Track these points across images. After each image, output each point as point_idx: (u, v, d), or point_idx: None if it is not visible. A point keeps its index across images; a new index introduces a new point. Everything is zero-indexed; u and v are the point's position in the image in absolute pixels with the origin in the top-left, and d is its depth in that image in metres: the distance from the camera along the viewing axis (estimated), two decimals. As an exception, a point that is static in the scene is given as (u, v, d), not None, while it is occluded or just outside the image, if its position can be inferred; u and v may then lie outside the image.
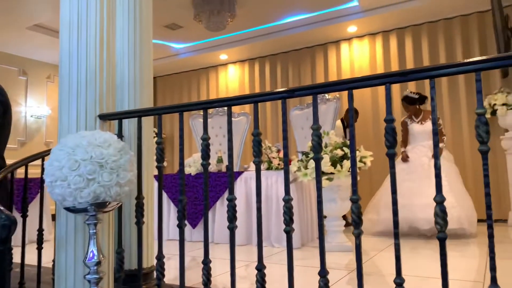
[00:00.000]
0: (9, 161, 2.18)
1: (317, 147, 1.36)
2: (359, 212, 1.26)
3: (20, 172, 3.53)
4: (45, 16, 5.85)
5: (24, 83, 7.37)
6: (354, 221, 1.27)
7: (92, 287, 1.58)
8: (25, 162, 2.28)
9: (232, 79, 7.83)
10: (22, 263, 2.30)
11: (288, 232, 1.35)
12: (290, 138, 6.34)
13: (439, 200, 1.13)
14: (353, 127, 1.33)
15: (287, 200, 1.36)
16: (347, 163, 3.53)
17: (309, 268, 2.98)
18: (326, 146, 3.74)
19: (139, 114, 1.87)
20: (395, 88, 6.02)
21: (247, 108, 6.85)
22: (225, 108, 1.70)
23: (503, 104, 4.91)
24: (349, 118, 1.34)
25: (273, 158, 4.22)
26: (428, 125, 4.65)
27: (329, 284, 1.34)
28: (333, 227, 3.75)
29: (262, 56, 7.47)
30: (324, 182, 3.51)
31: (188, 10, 5.75)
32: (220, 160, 4.88)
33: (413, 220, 4.17)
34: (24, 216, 2.34)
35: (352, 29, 6.30)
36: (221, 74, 7.95)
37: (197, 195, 4.52)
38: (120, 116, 1.88)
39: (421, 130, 4.73)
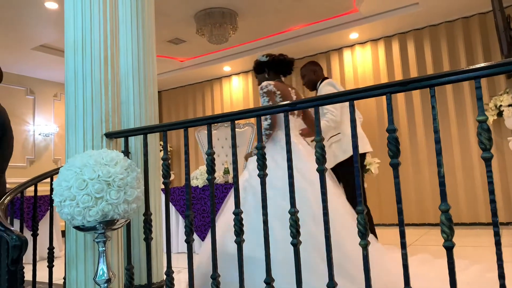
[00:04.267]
0: (18, 180, 2.22)
1: (320, 159, 1.37)
2: (365, 223, 1.26)
3: (29, 190, 3.57)
4: (49, 37, 5.95)
5: (31, 102, 7.48)
6: (361, 232, 1.27)
7: (103, 305, 1.59)
8: (34, 182, 2.31)
9: (236, 90, 7.87)
10: (34, 281, 2.32)
11: (295, 245, 1.35)
12: (296, 146, 6.33)
13: (444, 208, 1.13)
14: (355, 138, 1.34)
15: (293, 213, 1.36)
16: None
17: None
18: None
19: (144, 131, 1.89)
20: (399, 96, 6.03)
21: (252, 118, 6.87)
22: (229, 121, 1.76)
23: (509, 105, 4.88)
24: (352, 128, 1.35)
25: (280, 168, 4.21)
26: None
27: (339, 296, 1.33)
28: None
29: (265, 66, 7.51)
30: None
31: (191, 25, 5.82)
32: (226, 172, 4.89)
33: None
34: (35, 235, 2.36)
35: (353, 36, 6.33)
36: (225, 85, 8.01)
37: (205, 207, 4.53)
38: (126, 134, 1.90)
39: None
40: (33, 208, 2.40)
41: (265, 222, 1.44)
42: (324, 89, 3.70)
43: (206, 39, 5.82)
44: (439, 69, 5.87)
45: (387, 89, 1.26)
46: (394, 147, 1.21)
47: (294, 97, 2.98)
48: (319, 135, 1.38)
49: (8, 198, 1.98)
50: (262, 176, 1.42)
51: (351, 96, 1.34)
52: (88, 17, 1.89)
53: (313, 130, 2.93)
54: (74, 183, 1.53)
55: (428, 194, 5.71)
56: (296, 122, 2.89)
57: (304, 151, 2.62)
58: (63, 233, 4.08)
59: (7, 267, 1.66)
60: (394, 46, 6.28)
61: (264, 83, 2.84)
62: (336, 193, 2.52)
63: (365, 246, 1.25)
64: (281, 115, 2.62)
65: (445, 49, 5.88)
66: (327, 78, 3.92)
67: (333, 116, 3.47)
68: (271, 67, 3.02)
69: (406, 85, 1.21)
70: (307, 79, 3.96)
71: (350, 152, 3.42)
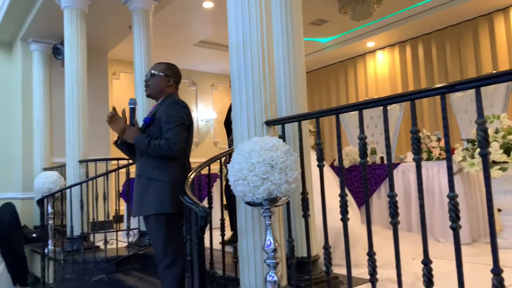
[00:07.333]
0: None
1: (483, 142, 1.31)
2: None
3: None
4: (206, 33, 6.70)
5: (194, 92, 8.57)
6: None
7: (271, 270, 1.85)
8: (208, 163, 2.73)
9: (381, 66, 7.58)
10: (211, 247, 2.78)
11: (455, 229, 1.34)
12: (452, 124, 5.82)
13: None
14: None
15: (452, 197, 1.35)
16: (524, 150, 3.12)
17: (481, 266, 2.76)
18: (497, 132, 3.37)
19: (299, 118, 2.07)
20: None
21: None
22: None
23: None
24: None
25: (433, 147, 3.99)
26: None
27: (505, 284, 1.29)
28: (510, 222, 3.37)
29: (414, 37, 7.02)
30: (496, 173, 3.18)
31: (333, 4, 5.82)
32: (373, 152, 4.83)
33: None
34: (210, 208, 2.81)
35: (524, -9, 5.42)
36: (369, 62, 7.77)
37: (351, 187, 4.58)
38: (283, 122, 2.11)
39: None
40: (208, 185, 2.85)
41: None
42: None
43: (349, 17, 5.75)
44: None
45: None
46: None
47: None
48: (482, 117, 1.33)
49: (191, 177, 2.41)
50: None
51: (520, 75, 1.24)
52: (247, 21, 2.12)
53: None
54: (244, 166, 1.80)
55: None
56: None
57: None
58: (224, 207, 4.73)
59: (196, 233, 2.05)
60: None
61: None
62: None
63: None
64: None
65: None
66: None
67: None
68: None
69: None
70: None
71: None
